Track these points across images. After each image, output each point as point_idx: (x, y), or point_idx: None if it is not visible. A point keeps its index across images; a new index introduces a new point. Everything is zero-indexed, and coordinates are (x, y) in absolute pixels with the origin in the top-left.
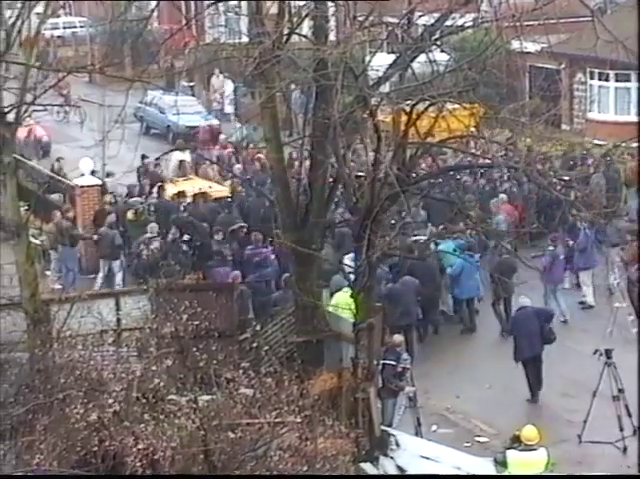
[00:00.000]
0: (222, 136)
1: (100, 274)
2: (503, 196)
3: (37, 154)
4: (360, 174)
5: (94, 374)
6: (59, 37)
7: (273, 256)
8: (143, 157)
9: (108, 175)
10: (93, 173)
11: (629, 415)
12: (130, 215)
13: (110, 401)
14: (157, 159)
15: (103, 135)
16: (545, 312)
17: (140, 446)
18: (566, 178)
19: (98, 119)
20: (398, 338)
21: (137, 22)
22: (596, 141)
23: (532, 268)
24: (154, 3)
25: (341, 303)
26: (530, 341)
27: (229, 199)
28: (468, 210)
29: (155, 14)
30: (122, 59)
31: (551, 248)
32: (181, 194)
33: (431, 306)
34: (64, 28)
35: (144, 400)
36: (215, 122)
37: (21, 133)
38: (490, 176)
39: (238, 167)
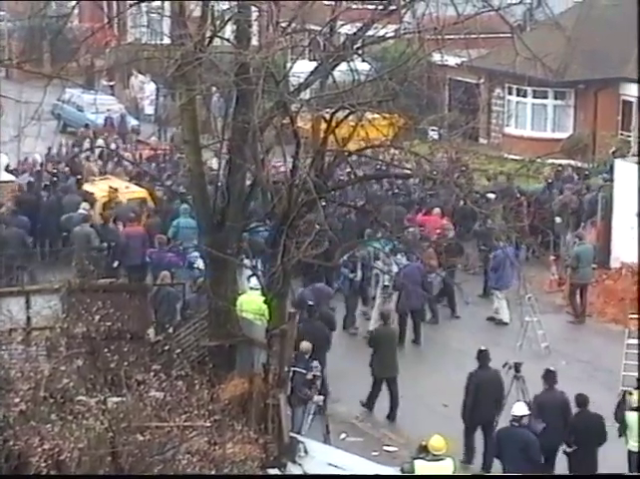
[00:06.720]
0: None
1: None
2: (437, 209)
3: None
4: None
5: (1, 372)
6: None
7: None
8: None
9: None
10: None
11: None
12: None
13: (17, 400)
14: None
15: (19, 131)
16: (423, 268)
17: (46, 446)
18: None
19: (14, 115)
20: (306, 345)
21: (57, 19)
22: (512, 156)
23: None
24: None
25: (245, 306)
26: (415, 294)
27: None
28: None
29: (75, 11)
30: (41, 55)
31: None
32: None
33: None
34: None
35: (52, 400)
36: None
37: None
38: (407, 187)
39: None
